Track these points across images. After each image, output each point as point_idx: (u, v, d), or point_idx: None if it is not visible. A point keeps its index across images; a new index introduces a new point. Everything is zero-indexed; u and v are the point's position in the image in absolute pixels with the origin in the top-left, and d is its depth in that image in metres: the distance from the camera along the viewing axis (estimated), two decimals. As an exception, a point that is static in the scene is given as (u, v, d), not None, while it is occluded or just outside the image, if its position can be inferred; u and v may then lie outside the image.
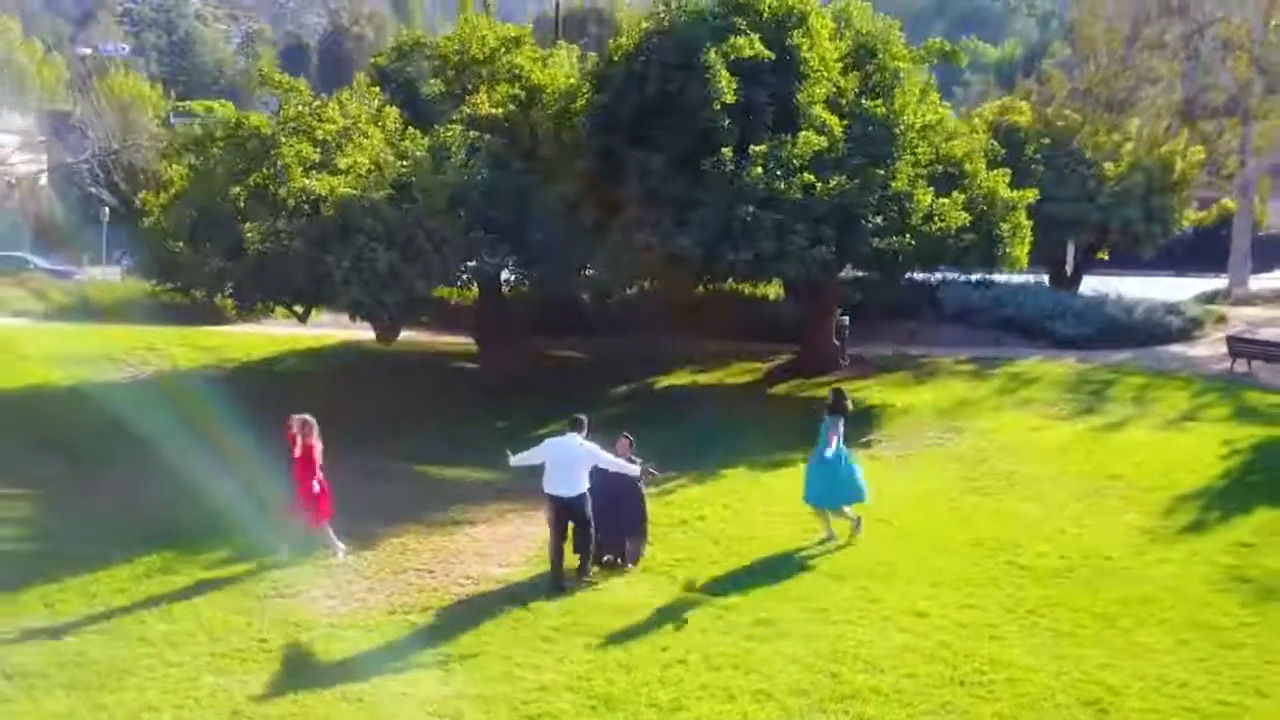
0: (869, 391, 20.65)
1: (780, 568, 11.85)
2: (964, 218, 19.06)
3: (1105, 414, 18.18)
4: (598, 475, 11.51)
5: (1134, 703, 8.76)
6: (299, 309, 20.20)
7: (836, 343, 22.75)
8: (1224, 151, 31.55)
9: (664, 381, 22.61)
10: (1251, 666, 9.33)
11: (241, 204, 18.21)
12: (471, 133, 19.34)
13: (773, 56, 19.14)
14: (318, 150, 18.78)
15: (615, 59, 20.06)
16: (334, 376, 23.55)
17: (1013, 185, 20.69)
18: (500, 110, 20.60)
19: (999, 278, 24.04)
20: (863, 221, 18.52)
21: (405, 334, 22.41)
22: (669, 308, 23.25)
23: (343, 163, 18.60)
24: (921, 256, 19.59)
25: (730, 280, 22.39)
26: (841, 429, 12.43)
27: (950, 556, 12.10)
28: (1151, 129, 29.76)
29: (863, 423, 18.37)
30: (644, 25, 19.99)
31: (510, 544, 12.95)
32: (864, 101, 19.94)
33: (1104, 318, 24.63)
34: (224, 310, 24.99)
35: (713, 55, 18.40)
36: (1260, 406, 18.04)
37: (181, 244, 18.64)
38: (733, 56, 18.61)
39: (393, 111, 20.04)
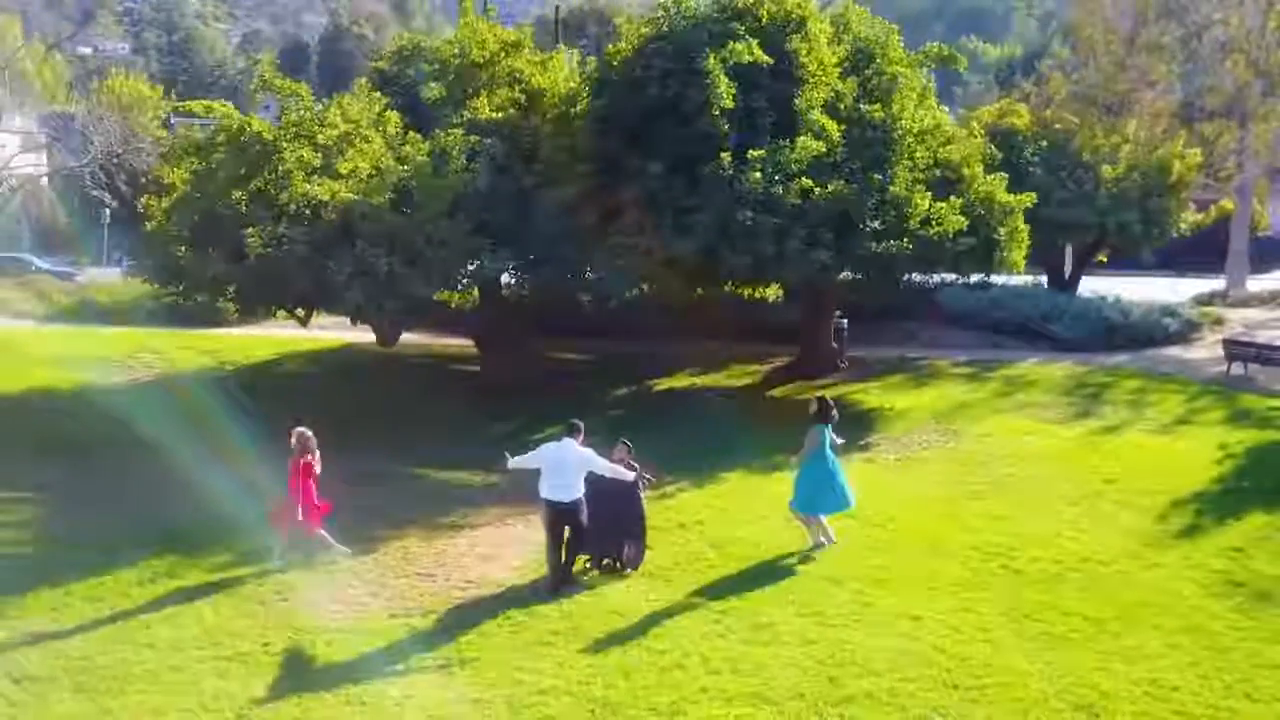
0: (867, 394, 20.78)
1: (778, 571, 11.96)
2: (961, 222, 19.17)
3: (1101, 417, 18.30)
4: (595, 480, 11.63)
5: (1126, 707, 8.87)
6: (300, 312, 20.32)
7: (835, 345, 22.89)
8: (1222, 154, 31.64)
9: (663, 384, 22.74)
10: (1242, 671, 9.44)
11: (243, 208, 18.30)
12: (472, 137, 19.43)
13: (771, 62, 19.27)
14: (319, 155, 18.87)
15: (615, 64, 20.18)
16: (335, 379, 23.70)
17: (1011, 189, 20.81)
18: (500, 114, 20.70)
19: (997, 280, 24.14)
20: (860, 226, 18.64)
21: (406, 336, 22.53)
22: (668, 310, 23.39)
23: (344, 167, 18.70)
24: (919, 260, 19.70)
25: (729, 283, 22.50)
26: (829, 436, 12.52)
27: (946, 560, 12.21)
28: (1149, 131, 29.86)
29: (861, 426, 18.50)
30: (644, 31, 20.09)
31: (511, 548, 13.07)
32: (862, 106, 20.05)
33: (1101, 320, 24.74)
34: (225, 313, 25.18)
35: (712, 60, 18.51)
36: (1256, 410, 18.14)
37: (184, 248, 18.74)
38: (732, 62, 18.73)
39: (394, 116, 20.14)
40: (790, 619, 10.62)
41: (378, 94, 21.01)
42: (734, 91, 18.59)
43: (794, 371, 22.65)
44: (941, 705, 8.93)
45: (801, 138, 18.69)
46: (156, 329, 26.65)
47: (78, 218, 47.34)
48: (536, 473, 11.68)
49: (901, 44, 21.40)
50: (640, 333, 23.99)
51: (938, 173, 20.59)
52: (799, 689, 9.22)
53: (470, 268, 19.27)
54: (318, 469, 12.45)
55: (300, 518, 12.27)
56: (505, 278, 21.86)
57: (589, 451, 11.63)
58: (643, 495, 12.24)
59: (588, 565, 12.04)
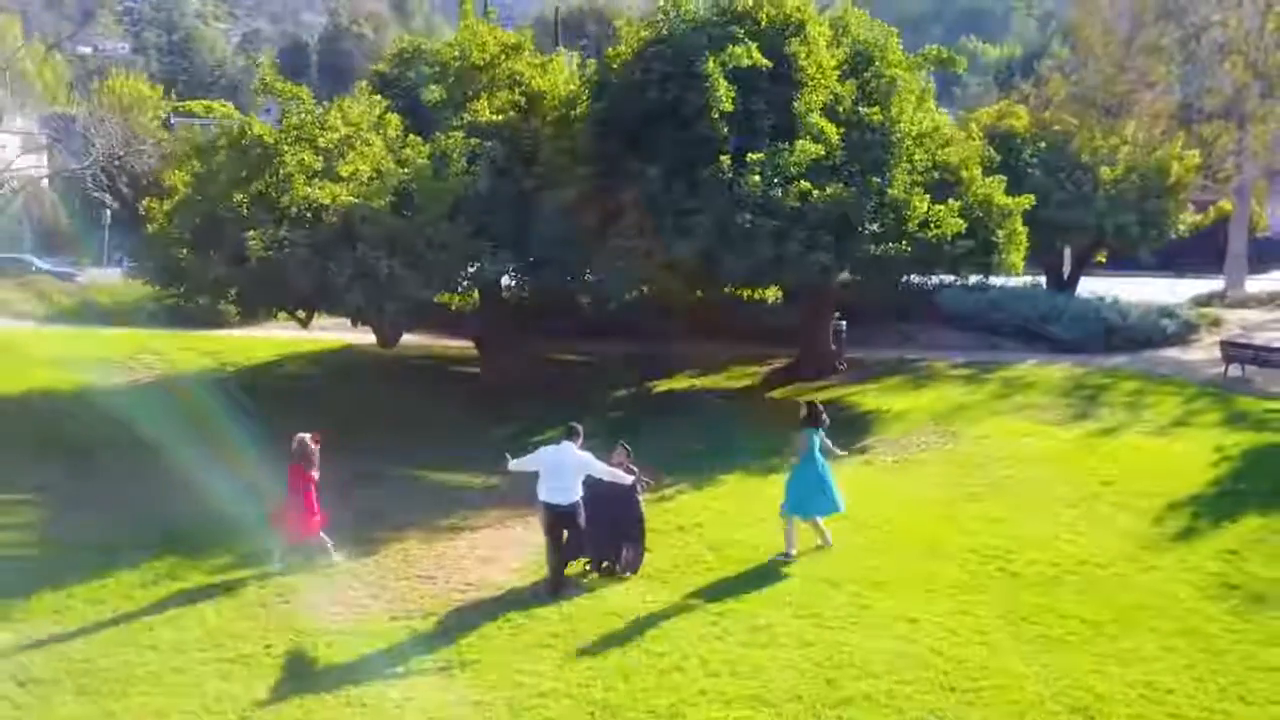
0: (865, 396, 20.85)
1: (776, 574, 12.02)
2: (960, 225, 19.24)
3: (1099, 419, 18.35)
4: (594, 484, 11.70)
5: (1121, 710, 8.95)
6: (301, 314, 20.40)
7: (834, 347, 22.96)
8: (1220, 155, 31.69)
9: (663, 385, 22.81)
10: (1236, 673, 9.52)
11: (244, 211, 18.36)
12: (472, 140, 19.49)
13: (770, 65, 19.33)
14: (320, 158, 18.94)
15: (614, 67, 20.25)
16: (335, 380, 23.75)
17: (1009, 190, 20.87)
18: (501, 117, 20.76)
19: (996, 281, 24.19)
20: (859, 228, 18.69)
21: (406, 338, 22.60)
22: (668, 312, 23.46)
23: (345, 170, 18.77)
24: (918, 263, 19.77)
25: (729, 285, 22.57)
26: (818, 441, 12.58)
27: (943, 563, 12.29)
28: (1148, 133, 29.93)
29: (859, 428, 18.60)
30: (643, 34, 20.16)
31: (510, 550, 13.14)
32: (861, 109, 20.11)
33: (1099, 322, 24.80)
34: (226, 314, 25.25)
35: (711, 64, 18.58)
36: (1252, 412, 18.19)
37: (185, 251, 18.81)
38: (731, 65, 18.79)
39: (394, 119, 20.21)
40: (788, 621, 10.70)
41: (378, 97, 21.07)
42: (733, 95, 18.66)
43: (793, 373, 22.72)
44: (938, 708, 9.00)
45: (800, 141, 18.76)
46: (157, 330, 26.72)
47: (78, 219, 47.43)
48: (535, 475, 11.76)
49: (900, 46, 21.45)
50: (640, 334, 24.06)
51: (936, 175, 20.66)
52: (797, 691, 9.30)
53: (470, 270, 19.35)
54: (315, 474, 12.50)
55: (300, 524, 12.35)
56: (505, 280, 21.92)
57: (587, 455, 11.70)
58: (641, 498, 12.32)
59: (587, 568, 12.12)
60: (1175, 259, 36.56)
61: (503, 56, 21.64)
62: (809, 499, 12.49)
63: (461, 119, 20.33)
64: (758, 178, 18.19)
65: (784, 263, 18.44)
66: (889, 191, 19.10)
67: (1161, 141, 29.34)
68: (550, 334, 24.53)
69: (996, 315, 25.80)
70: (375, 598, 11.68)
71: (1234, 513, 13.43)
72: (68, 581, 11.94)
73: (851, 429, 18.34)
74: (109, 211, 44.90)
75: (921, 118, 21.11)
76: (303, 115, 19.64)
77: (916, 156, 20.48)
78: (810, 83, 19.74)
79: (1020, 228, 20.61)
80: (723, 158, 18.49)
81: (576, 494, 11.55)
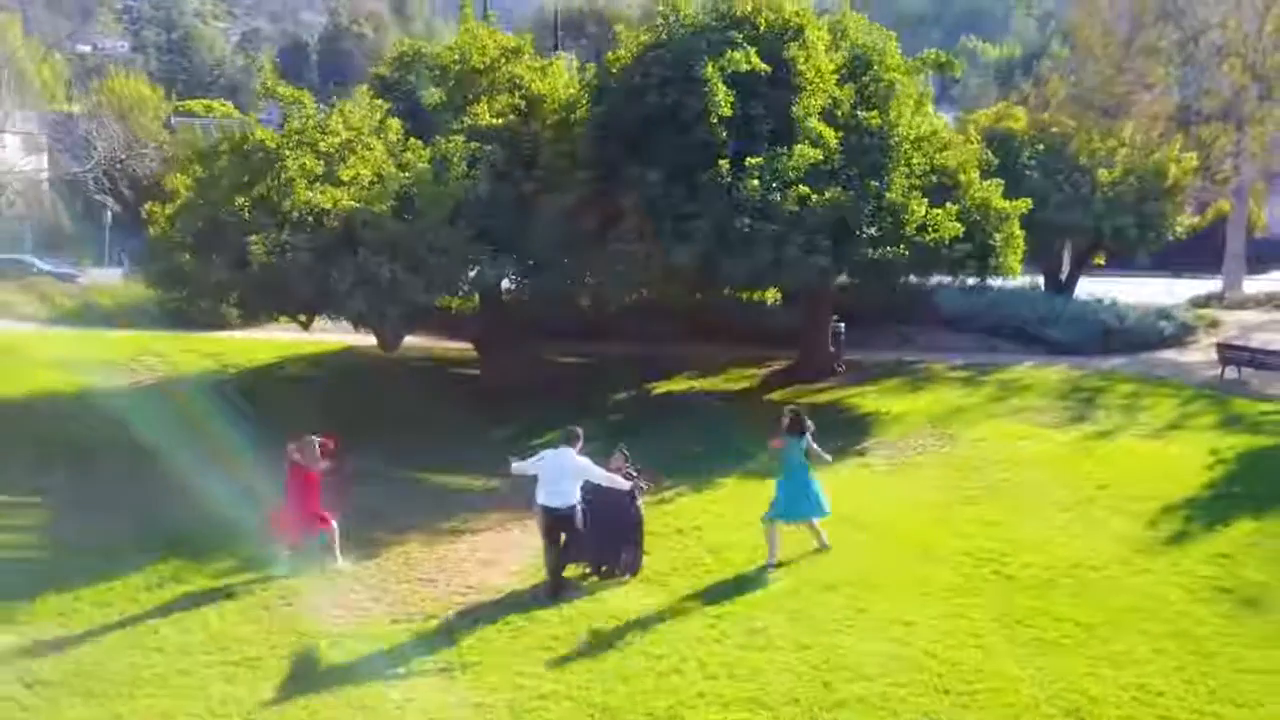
0: (864, 398, 20.97)
1: (773, 577, 12.13)
2: (957, 229, 19.34)
3: (1095, 422, 18.48)
4: (593, 487, 11.82)
5: (1113, 712, 9.08)
6: (302, 317, 20.50)
7: (832, 349, 23.07)
8: (1218, 157, 31.80)
9: (662, 387, 22.92)
10: (1227, 676, 9.65)
11: (246, 215, 18.46)
12: (472, 143, 19.59)
13: (769, 69, 19.44)
14: (321, 162, 19.04)
15: (614, 71, 20.36)
16: (336, 382, 23.86)
17: (1008, 192, 20.98)
18: (500, 120, 20.86)
19: (994, 282, 24.29)
20: (858, 232, 18.81)
21: (407, 340, 22.66)
22: (668, 314, 23.58)
23: (346, 175, 18.87)
24: (916, 266, 19.89)
25: (728, 289, 22.67)
26: (803, 448, 12.62)
27: (939, 566, 12.41)
28: (1146, 134, 30.03)
29: (856, 430, 18.73)
30: (642, 39, 20.27)
31: (510, 553, 13.26)
32: (859, 113, 20.21)
33: (1097, 324, 24.94)
34: (227, 316, 25.36)
35: (710, 68, 18.69)
36: (1247, 415, 18.33)
37: (187, 255, 18.92)
38: (730, 70, 18.91)
39: (395, 123, 20.30)
40: (784, 624, 10.82)
41: (379, 100, 21.17)
42: (732, 99, 18.77)
43: (792, 375, 22.84)
44: (933, 710, 9.13)
45: (799, 145, 18.86)
46: (159, 332, 26.81)
47: (79, 220, 47.53)
48: (534, 478, 11.87)
49: (899, 50, 21.56)
50: (639, 336, 24.18)
51: (934, 179, 20.75)
52: (794, 694, 9.42)
53: (471, 274, 19.45)
54: (318, 474, 12.62)
55: (298, 525, 12.47)
56: (505, 284, 22.03)
57: (585, 460, 11.81)
58: (640, 502, 12.44)
59: (586, 571, 12.24)
60: (1173, 259, 36.65)
61: (503, 60, 21.74)
62: (795, 504, 12.58)
63: (462, 122, 20.43)
64: (756, 182, 18.30)
65: (783, 266, 18.55)
66: (887, 195, 19.21)
67: (1160, 143, 29.44)
68: (550, 335, 24.64)
69: (995, 317, 25.92)
70: (377, 600, 11.81)
71: (1227, 516, 13.56)
72: (73, 584, 12.06)
73: (849, 431, 18.49)
74: (109, 213, 45.02)
75: (920, 121, 21.23)
76: (304, 119, 19.75)
77: (914, 160, 20.59)
78: (809, 87, 19.85)
79: (1018, 231, 20.72)
80: (721, 162, 18.60)
81: (574, 497, 11.66)
